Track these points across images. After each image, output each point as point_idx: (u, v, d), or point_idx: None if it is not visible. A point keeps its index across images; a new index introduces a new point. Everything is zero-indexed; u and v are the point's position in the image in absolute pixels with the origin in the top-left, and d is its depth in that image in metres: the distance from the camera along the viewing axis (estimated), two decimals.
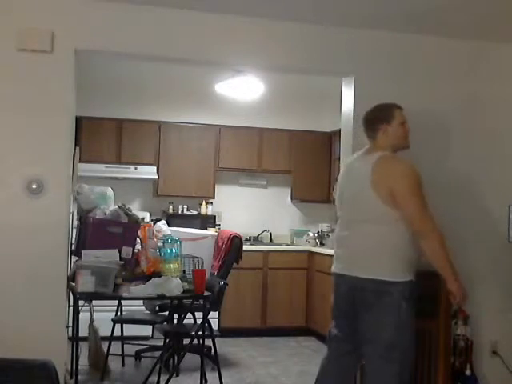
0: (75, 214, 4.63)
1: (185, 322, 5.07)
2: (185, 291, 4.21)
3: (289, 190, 7.38)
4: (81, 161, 5.03)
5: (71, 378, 4.31)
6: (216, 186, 7.06)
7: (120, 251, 4.32)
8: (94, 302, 4.72)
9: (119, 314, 5.31)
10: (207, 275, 4.50)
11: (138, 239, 4.49)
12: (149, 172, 6.75)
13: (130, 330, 5.43)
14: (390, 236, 3.22)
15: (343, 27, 4.20)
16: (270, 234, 7.36)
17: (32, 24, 3.79)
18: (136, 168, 6.69)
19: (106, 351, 4.99)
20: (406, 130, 3.44)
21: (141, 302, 5.27)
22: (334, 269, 3.44)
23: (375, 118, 3.43)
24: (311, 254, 6.85)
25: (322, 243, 7.03)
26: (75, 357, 4.24)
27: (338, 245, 3.49)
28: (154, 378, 4.55)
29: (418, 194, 3.21)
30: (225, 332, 6.21)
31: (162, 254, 4.37)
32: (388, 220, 3.21)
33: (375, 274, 3.20)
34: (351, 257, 3.33)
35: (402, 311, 3.19)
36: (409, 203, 3.18)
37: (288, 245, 7.31)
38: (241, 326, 6.54)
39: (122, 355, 5.35)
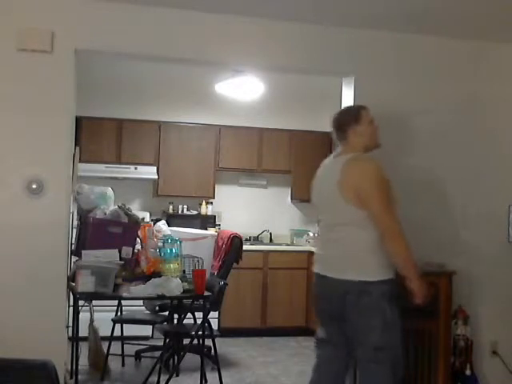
0: (75, 213, 4.63)
1: (185, 321, 5.06)
2: (185, 291, 4.20)
3: (289, 190, 7.37)
4: (81, 161, 5.02)
5: (71, 378, 4.31)
6: (216, 186, 7.06)
7: (120, 251, 4.32)
8: (94, 302, 4.72)
9: (119, 314, 5.30)
10: (207, 275, 4.50)
11: (138, 239, 4.49)
12: (149, 172, 6.75)
13: (130, 330, 5.43)
14: (364, 236, 3.20)
15: (343, 27, 4.20)
16: (270, 233, 7.35)
17: (32, 24, 3.79)
18: (136, 168, 6.68)
19: (106, 351, 4.99)
20: (375, 129, 3.42)
21: (141, 302, 5.26)
22: (315, 269, 3.43)
23: (344, 120, 3.41)
24: (311, 254, 6.82)
25: None
26: (75, 357, 4.24)
27: (319, 247, 3.51)
28: (154, 378, 4.55)
29: (382, 194, 3.17)
30: (225, 332, 6.21)
31: (162, 254, 4.37)
32: (358, 220, 3.19)
33: (352, 275, 3.18)
34: (330, 259, 3.32)
35: (387, 313, 3.16)
36: (374, 203, 3.16)
37: (288, 245, 7.30)
38: (241, 326, 6.53)
39: (122, 355, 5.34)
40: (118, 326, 5.21)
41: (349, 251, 3.24)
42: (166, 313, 5.23)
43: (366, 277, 3.17)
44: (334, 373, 3.41)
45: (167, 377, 4.48)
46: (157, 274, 4.27)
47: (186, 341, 4.83)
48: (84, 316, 4.40)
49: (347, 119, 3.40)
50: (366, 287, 3.15)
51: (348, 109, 3.57)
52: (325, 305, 3.36)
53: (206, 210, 7.07)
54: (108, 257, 4.22)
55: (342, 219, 3.25)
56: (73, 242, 4.55)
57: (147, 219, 6.19)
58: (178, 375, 4.91)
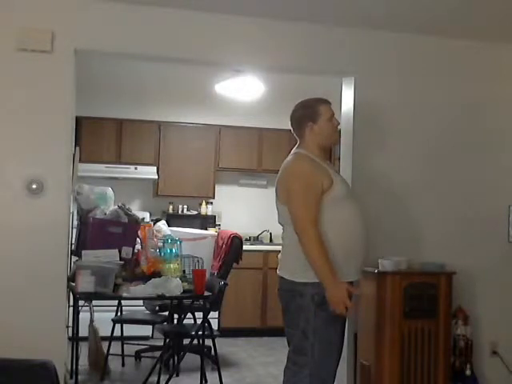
0: (75, 213, 4.63)
1: (185, 322, 5.07)
2: (185, 291, 4.20)
3: None
4: (81, 161, 5.02)
5: (71, 378, 4.31)
6: (216, 186, 7.06)
7: (120, 251, 4.32)
8: (94, 302, 4.72)
9: (119, 314, 5.31)
10: (207, 275, 4.50)
11: (138, 239, 4.49)
12: (149, 172, 6.76)
13: (130, 330, 5.43)
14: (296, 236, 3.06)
15: (343, 27, 4.20)
16: (270, 234, 7.35)
17: (32, 24, 3.79)
18: (136, 168, 6.69)
19: (106, 351, 4.99)
20: (335, 125, 3.21)
21: (141, 302, 5.27)
22: None
23: (301, 117, 3.22)
24: None
25: None
26: (75, 357, 4.25)
27: None
28: (154, 378, 4.55)
29: (300, 194, 3.01)
30: (225, 332, 6.20)
31: (162, 254, 4.37)
32: (290, 220, 3.08)
33: (287, 273, 3.11)
34: (280, 258, 3.24)
35: (313, 317, 3.01)
36: (291, 202, 3.04)
37: None
38: (241, 326, 6.53)
39: (122, 355, 5.35)
40: (118, 326, 5.21)
41: (287, 250, 3.16)
42: (166, 313, 5.23)
43: (297, 277, 3.05)
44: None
45: (167, 377, 4.48)
46: (157, 274, 4.27)
47: (186, 341, 4.83)
48: (84, 316, 4.39)
49: (305, 116, 3.20)
50: (297, 287, 3.05)
51: (306, 104, 3.26)
52: (280, 302, 3.27)
53: (205, 210, 7.08)
54: (108, 257, 4.22)
55: (282, 219, 3.17)
56: (73, 241, 4.56)
57: (147, 219, 6.19)
58: (177, 375, 4.91)
